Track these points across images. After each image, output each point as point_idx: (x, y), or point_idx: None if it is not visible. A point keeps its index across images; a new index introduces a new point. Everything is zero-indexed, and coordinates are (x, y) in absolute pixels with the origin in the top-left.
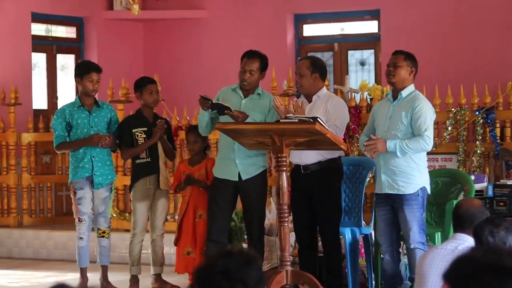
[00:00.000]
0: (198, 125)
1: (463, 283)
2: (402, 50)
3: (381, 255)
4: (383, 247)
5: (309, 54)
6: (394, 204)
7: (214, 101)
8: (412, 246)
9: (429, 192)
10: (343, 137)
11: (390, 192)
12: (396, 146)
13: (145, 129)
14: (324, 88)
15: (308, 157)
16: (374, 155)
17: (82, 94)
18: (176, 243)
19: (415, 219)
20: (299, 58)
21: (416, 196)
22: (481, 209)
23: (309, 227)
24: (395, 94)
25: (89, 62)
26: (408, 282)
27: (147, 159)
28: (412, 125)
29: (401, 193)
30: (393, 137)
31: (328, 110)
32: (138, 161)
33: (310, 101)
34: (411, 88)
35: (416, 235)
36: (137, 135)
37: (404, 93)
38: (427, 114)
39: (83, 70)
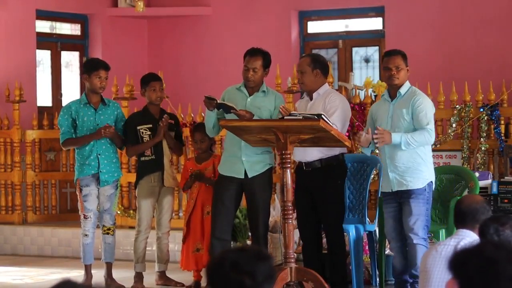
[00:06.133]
0: (206, 127)
1: (478, 278)
2: (395, 49)
3: (389, 252)
4: (392, 244)
5: (314, 51)
6: (401, 199)
7: (219, 101)
8: (414, 242)
9: (434, 187)
10: (347, 134)
11: (399, 189)
12: (402, 138)
13: (150, 125)
14: (326, 84)
15: (310, 154)
16: (381, 145)
17: (89, 91)
18: (185, 240)
19: (420, 213)
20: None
21: (423, 191)
22: (483, 204)
23: (312, 224)
24: (393, 93)
25: (97, 59)
26: (409, 278)
27: (152, 157)
28: (414, 120)
29: (409, 188)
30: None
31: (325, 107)
32: (143, 158)
33: (312, 99)
34: (407, 84)
35: (419, 230)
36: (142, 132)
37: (403, 90)
38: (427, 108)
39: (91, 67)
